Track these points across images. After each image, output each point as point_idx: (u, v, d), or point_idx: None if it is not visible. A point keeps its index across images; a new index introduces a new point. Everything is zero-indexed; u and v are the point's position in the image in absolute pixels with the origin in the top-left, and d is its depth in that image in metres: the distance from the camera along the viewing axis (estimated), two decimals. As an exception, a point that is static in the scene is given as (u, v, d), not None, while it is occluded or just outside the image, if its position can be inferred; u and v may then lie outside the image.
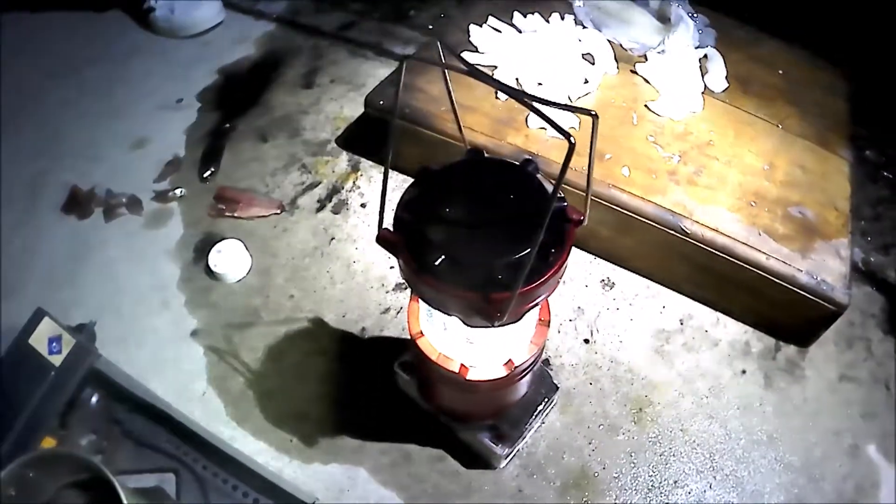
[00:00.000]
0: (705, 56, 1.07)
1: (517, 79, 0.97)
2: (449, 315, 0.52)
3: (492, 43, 1.01)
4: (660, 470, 0.79)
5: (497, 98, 0.96)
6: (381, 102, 0.97)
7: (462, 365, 0.63)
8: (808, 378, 0.91)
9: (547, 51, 1.00)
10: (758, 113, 1.02)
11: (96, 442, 0.78)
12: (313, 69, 1.17)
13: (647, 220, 0.88)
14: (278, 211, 1.00)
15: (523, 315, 0.54)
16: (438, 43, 0.50)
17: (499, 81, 0.42)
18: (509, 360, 0.63)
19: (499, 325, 0.50)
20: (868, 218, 1.10)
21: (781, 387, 0.89)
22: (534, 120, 0.93)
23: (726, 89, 1.04)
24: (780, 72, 1.10)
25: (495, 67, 0.99)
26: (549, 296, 0.53)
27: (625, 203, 0.88)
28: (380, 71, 1.06)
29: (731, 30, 1.15)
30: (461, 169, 0.55)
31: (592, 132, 0.46)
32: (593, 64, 1.01)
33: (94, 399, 0.79)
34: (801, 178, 0.96)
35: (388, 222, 0.51)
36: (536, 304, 0.53)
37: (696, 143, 0.95)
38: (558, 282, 0.52)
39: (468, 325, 0.53)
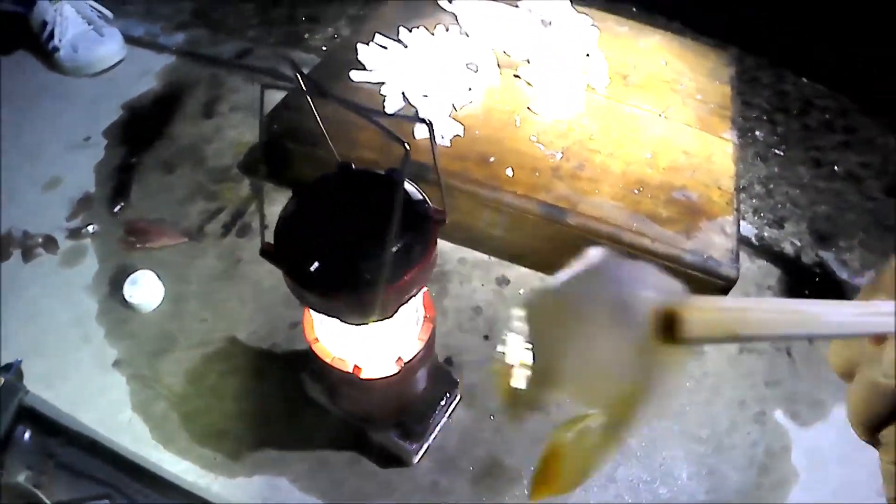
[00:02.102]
0: (587, 55, 1.11)
1: (403, 93, 1.01)
2: (331, 317, 0.56)
3: (378, 60, 1.05)
4: (565, 452, 0.83)
5: (385, 114, 0.99)
6: (275, 126, 1.00)
7: (356, 365, 0.67)
8: (707, 352, 0.95)
9: (431, 63, 1.03)
10: (641, 105, 1.07)
11: (33, 477, 0.79)
12: (213, 98, 1.19)
13: (533, 217, 0.91)
14: (186, 239, 1.02)
15: (398, 309, 0.58)
16: (293, 67, 0.54)
17: (343, 99, 0.46)
18: (399, 357, 0.67)
19: (375, 321, 0.55)
20: (760, 195, 1.16)
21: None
22: (419, 131, 0.96)
23: (608, 85, 1.08)
24: (663, 62, 1.15)
25: (382, 83, 1.02)
26: (419, 290, 0.58)
27: (510, 203, 0.91)
28: (277, 96, 1.09)
29: (613, 27, 1.20)
30: (332, 182, 0.60)
31: (431, 140, 0.51)
32: (476, 72, 1.05)
33: (26, 435, 0.81)
34: (685, 163, 1.00)
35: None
36: (409, 298, 0.57)
37: (579, 138, 1.00)
38: (427, 277, 0.57)
39: (348, 324, 0.57)
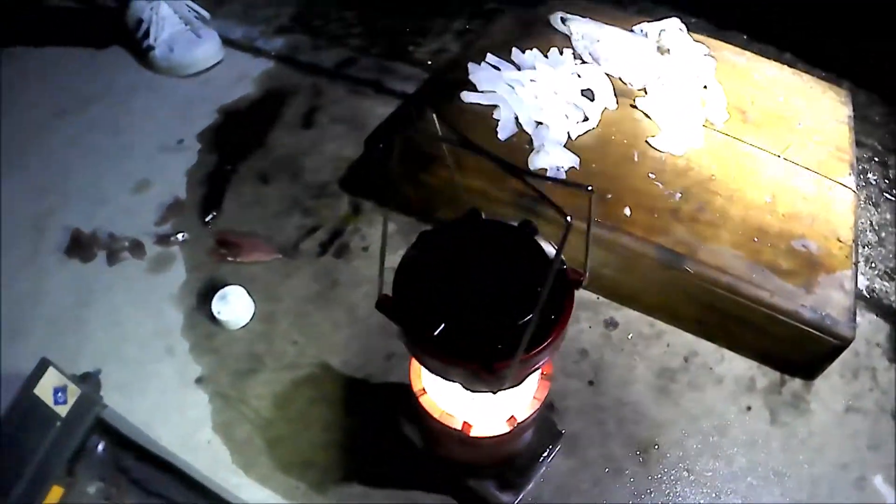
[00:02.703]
0: (705, 86, 1.06)
1: (516, 117, 0.97)
2: (450, 381, 0.52)
3: (490, 82, 1.01)
4: (666, 512, 0.79)
5: (497, 139, 0.96)
6: (380, 146, 0.97)
7: (465, 422, 0.63)
8: (814, 411, 0.90)
9: (545, 88, 1.00)
10: (758, 144, 1.02)
11: (104, 489, 0.78)
12: (313, 108, 1.17)
13: (649, 261, 0.87)
14: (280, 255, 1.00)
15: (525, 379, 0.54)
16: (434, 116, 0.50)
17: (494, 156, 0.42)
18: (512, 416, 0.63)
19: (501, 391, 0.50)
20: (871, 244, 1.10)
21: (787, 421, 0.89)
22: (536, 159, 0.93)
23: (726, 121, 1.04)
24: (781, 98, 1.10)
25: (495, 107, 0.99)
26: (550, 359, 0.53)
27: (627, 245, 0.88)
28: (379, 109, 1.06)
29: (730, 57, 1.15)
30: (458, 231, 0.56)
31: (589, 209, 0.47)
32: (592, 100, 1.01)
33: (100, 447, 0.79)
34: (804, 210, 0.95)
35: (389, 286, 0.51)
36: (538, 368, 0.53)
37: (698, 178, 0.95)
38: (560, 344, 0.53)
39: (470, 391, 0.53)
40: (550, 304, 0.49)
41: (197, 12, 1.30)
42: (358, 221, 1.02)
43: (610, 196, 0.91)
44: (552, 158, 0.92)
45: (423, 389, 0.65)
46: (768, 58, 1.20)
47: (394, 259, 0.93)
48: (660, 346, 0.92)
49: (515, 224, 0.55)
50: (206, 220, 1.04)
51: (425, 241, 0.54)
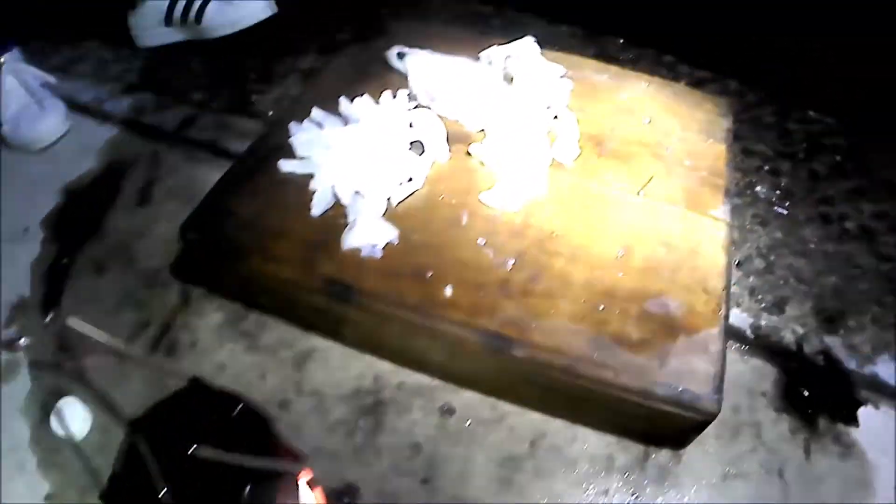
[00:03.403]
0: (556, 117, 0.95)
1: (333, 187, 0.88)
2: None
3: (308, 145, 0.92)
4: None
5: (310, 216, 0.87)
6: (196, 234, 0.89)
7: None
8: (685, 485, 0.82)
9: (368, 147, 0.90)
10: (614, 182, 0.91)
11: None
12: (151, 180, 1.09)
13: (475, 347, 0.79)
14: (116, 357, 0.94)
15: None
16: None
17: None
18: None
19: None
20: (758, 271, 0.99)
21: (652, 502, 0.80)
22: (348, 238, 0.84)
23: (578, 157, 0.92)
24: (647, 120, 0.98)
25: (311, 176, 0.90)
26: None
27: (447, 332, 0.79)
28: (214, 176, 0.98)
29: (590, 76, 1.02)
30: (179, 405, 0.56)
31: None
32: (422, 153, 0.91)
33: None
34: (664, 260, 0.85)
35: None
36: None
37: (536, 238, 0.85)
38: None
39: None
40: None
41: (44, 79, 1.22)
42: (187, 314, 0.96)
43: (430, 274, 0.82)
44: (367, 235, 0.84)
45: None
46: (647, 63, 1.07)
47: (221, 354, 0.85)
48: (502, 430, 0.84)
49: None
50: (46, 321, 0.99)
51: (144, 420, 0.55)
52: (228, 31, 1.20)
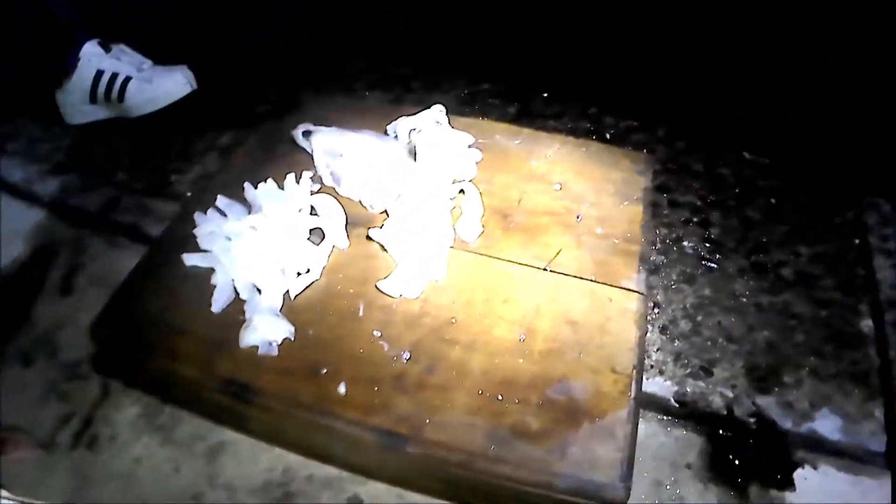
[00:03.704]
0: (462, 191, 0.93)
1: (233, 281, 0.88)
2: None
3: (210, 238, 0.91)
4: None
5: (211, 312, 0.87)
6: (106, 332, 0.90)
7: None
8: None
9: (267, 240, 0.89)
10: (519, 258, 0.89)
11: None
12: (74, 268, 1.10)
13: (370, 444, 0.78)
14: (41, 450, 0.95)
15: None
16: None
17: None
18: None
19: None
20: (684, 335, 0.96)
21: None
22: (245, 336, 0.83)
23: (481, 234, 0.91)
24: (558, 186, 0.96)
25: (213, 270, 0.89)
26: None
27: (342, 430, 0.78)
28: (133, 263, 0.98)
29: (501, 143, 1.00)
30: None
31: None
32: (321, 241, 0.90)
33: None
34: (569, 340, 0.83)
35: None
36: None
37: (433, 326, 0.84)
38: None
39: None
40: None
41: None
42: (107, 406, 0.96)
43: (325, 371, 0.81)
44: (263, 332, 0.83)
45: None
46: (572, 116, 1.05)
47: (138, 447, 0.84)
48: (409, 524, 0.83)
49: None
50: (-24, 414, 1.00)
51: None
52: (150, 108, 1.20)
